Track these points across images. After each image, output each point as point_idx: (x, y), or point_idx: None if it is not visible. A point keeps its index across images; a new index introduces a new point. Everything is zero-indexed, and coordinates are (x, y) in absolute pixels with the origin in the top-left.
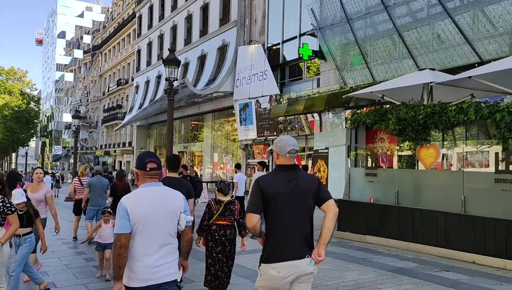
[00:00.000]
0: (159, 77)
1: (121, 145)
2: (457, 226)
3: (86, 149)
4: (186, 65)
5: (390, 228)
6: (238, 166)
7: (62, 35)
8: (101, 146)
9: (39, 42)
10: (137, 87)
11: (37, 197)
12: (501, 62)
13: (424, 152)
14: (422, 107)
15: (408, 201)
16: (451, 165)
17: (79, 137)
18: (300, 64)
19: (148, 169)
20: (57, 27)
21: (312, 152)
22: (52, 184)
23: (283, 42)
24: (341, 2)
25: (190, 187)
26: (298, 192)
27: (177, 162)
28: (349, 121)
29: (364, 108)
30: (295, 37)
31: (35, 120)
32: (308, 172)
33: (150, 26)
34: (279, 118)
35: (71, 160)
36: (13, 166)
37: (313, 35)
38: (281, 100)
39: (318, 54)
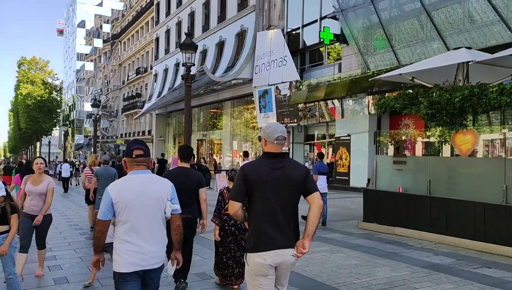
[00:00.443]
0: (177, 65)
1: (140, 134)
2: (497, 218)
3: (107, 138)
4: (204, 52)
5: (421, 220)
6: (246, 154)
7: (82, 24)
8: (121, 134)
9: (60, 32)
10: (155, 75)
11: (40, 190)
12: None
13: (460, 138)
14: (458, 89)
15: (441, 190)
16: (490, 151)
17: (100, 126)
18: (320, 49)
19: (134, 156)
20: (77, 16)
21: (334, 139)
22: (71, 172)
23: (303, 26)
24: None
25: (202, 177)
26: (284, 181)
27: (189, 152)
28: (374, 106)
29: (387, 93)
30: (316, 21)
31: (57, 110)
32: (325, 159)
33: (168, 13)
34: (299, 104)
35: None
36: (37, 155)
37: (334, 18)
38: (301, 86)
39: (340, 38)
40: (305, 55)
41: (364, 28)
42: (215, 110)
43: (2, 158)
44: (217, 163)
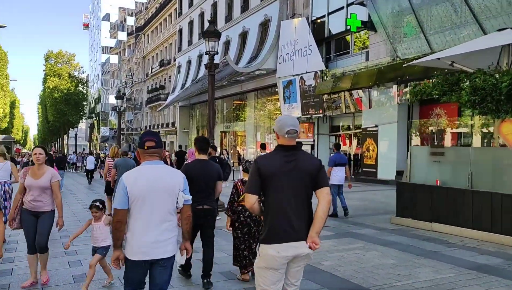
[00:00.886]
0: (200, 56)
1: (164, 126)
2: None
3: (132, 130)
4: (228, 43)
5: (463, 215)
6: (263, 146)
7: (106, 17)
8: (145, 127)
9: (86, 26)
10: (179, 67)
11: (41, 184)
12: None
13: (507, 127)
14: (505, 73)
15: (485, 184)
16: None
17: (125, 118)
18: (347, 37)
19: (146, 147)
20: (102, 10)
21: (360, 130)
22: (95, 164)
23: (329, 14)
24: None
25: (220, 169)
26: (297, 173)
27: (206, 144)
28: (410, 93)
29: (423, 81)
30: (342, 8)
31: (83, 103)
32: (350, 150)
33: (191, 4)
34: (324, 95)
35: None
36: (65, 147)
37: (362, 4)
38: (326, 76)
39: (368, 24)
40: (331, 44)
41: (393, 14)
42: (239, 102)
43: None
44: (241, 155)
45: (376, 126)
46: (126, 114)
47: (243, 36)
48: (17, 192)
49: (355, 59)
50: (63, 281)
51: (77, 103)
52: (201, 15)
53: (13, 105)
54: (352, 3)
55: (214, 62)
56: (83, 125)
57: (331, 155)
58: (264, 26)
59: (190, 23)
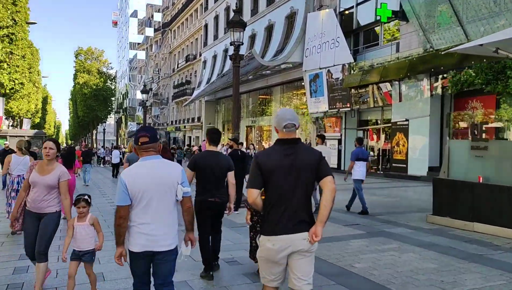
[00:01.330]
0: (226, 51)
1: (190, 121)
2: None
3: (158, 125)
4: (253, 37)
5: (508, 215)
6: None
7: (134, 14)
8: (171, 122)
9: (115, 23)
10: (204, 62)
11: (48, 182)
12: None
13: None
14: None
15: None
16: None
17: (151, 113)
18: (376, 28)
19: (140, 143)
20: (130, 6)
21: (390, 124)
22: (120, 158)
23: (357, 4)
24: None
25: (231, 160)
26: (296, 166)
27: (218, 135)
28: (449, 83)
29: (454, 71)
30: None
31: (111, 98)
32: (376, 145)
33: None
34: (352, 89)
35: None
36: (94, 142)
37: None
38: (354, 69)
39: (399, 14)
40: (359, 36)
41: (426, 2)
42: (264, 96)
43: (65, 145)
44: (246, 149)
45: (407, 120)
46: (152, 109)
47: (269, 29)
48: (21, 189)
49: (385, 50)
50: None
51: (105, 98)
52: (227, 9)
53: (45, 101)
54: None
55: (239, 53)
56: (111, 120)
57: (354, 149)
58: (290, 19)
59: (216, 17)
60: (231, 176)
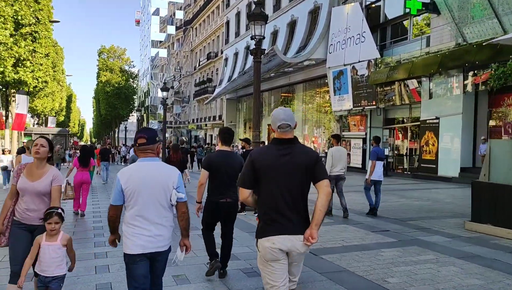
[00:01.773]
0: (247, 48)
1: (211, 119)
2: None
3: (180, 123)
4: (275, 34)
5: None
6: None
7: (156, 12)
8: (193, 120)
9: (138, 22)
10: (226, 59)
11: (38, 188)
12: None
13: None
14: None
15: None
16: None
17: (173, 111)
18: (405, 22)
19: (137, 144)
20: (152, 4)
21: (419, 123)
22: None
23: None
24: None
25: (243, 161)
26: (291, 167)
27: (230, 136)
28: (492, 77)
29: (497, 64)
30: None
31: (133, 96)
32: (401, 144)
33: None
34: (378, 86)
35: (167, 134)
36: (116, 140)
37: None
38: (381, 65)
39: (429, 7)
40: (386, 30)
41: None
42: (286, 94)
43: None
44: None
45: (437, 118)
46: (174, 108)
47: (291, 25)
48: (7, 197)
49: (414, 45)
50: None
51: (127, 96)
52: (249, 5)
53: (70, 99)
54: None
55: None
56: (133, 118)
57: (372, 148)
58: (314, 14)
59: (238, 14)
60: None
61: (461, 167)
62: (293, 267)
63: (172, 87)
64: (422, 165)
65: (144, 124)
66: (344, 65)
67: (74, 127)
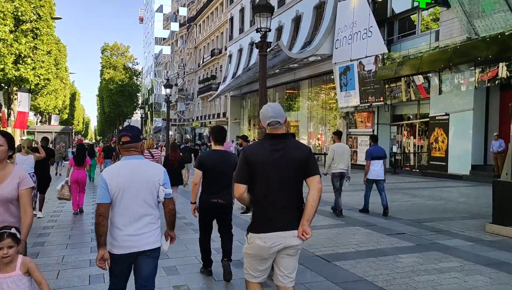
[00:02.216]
0: (252, 44)
1: (215, 116)
2: None
3: (184, 120)
4: (280, 29)
5: None
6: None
7: (160, 9)
8: (197, 117)
9: (141, 20)
10: (230, 56)
11: (4, 194)
12: None
13: None
14: None
15: None
16: None
17: (177, 109)
18: (413, 16)
19: (121, 142)
20: (155, 1)
21: (428, 119)
22: None
23: None
24: None
25: (237, 158)
26: (285, 162)
27: (222, 135)
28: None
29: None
30: None
31: (137, 94)
32: (407, 141)
33: None
34: (385, 82)
35: (171, 132)
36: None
37: None
38: (388, 60)
39: (439, 0)
40: (394, 25)
41: None
42: (291, 91)
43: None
44: None
45: (447, 114)
46: (178, 105)
47: (296, 20)
48: None
49: (423, 39)
50: None
51: (131, 94)
52: (252, 1)
53: (73, 97)
54: None
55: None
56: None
57: (369, 148)
58: (319, 9)
59: (241, 10)
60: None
61: (472, 164)
62: (289, 261)
63: (176, 85)
64: (431, 162)
65: (148, 122)
66: (351, 60)
67: (78, 125)
